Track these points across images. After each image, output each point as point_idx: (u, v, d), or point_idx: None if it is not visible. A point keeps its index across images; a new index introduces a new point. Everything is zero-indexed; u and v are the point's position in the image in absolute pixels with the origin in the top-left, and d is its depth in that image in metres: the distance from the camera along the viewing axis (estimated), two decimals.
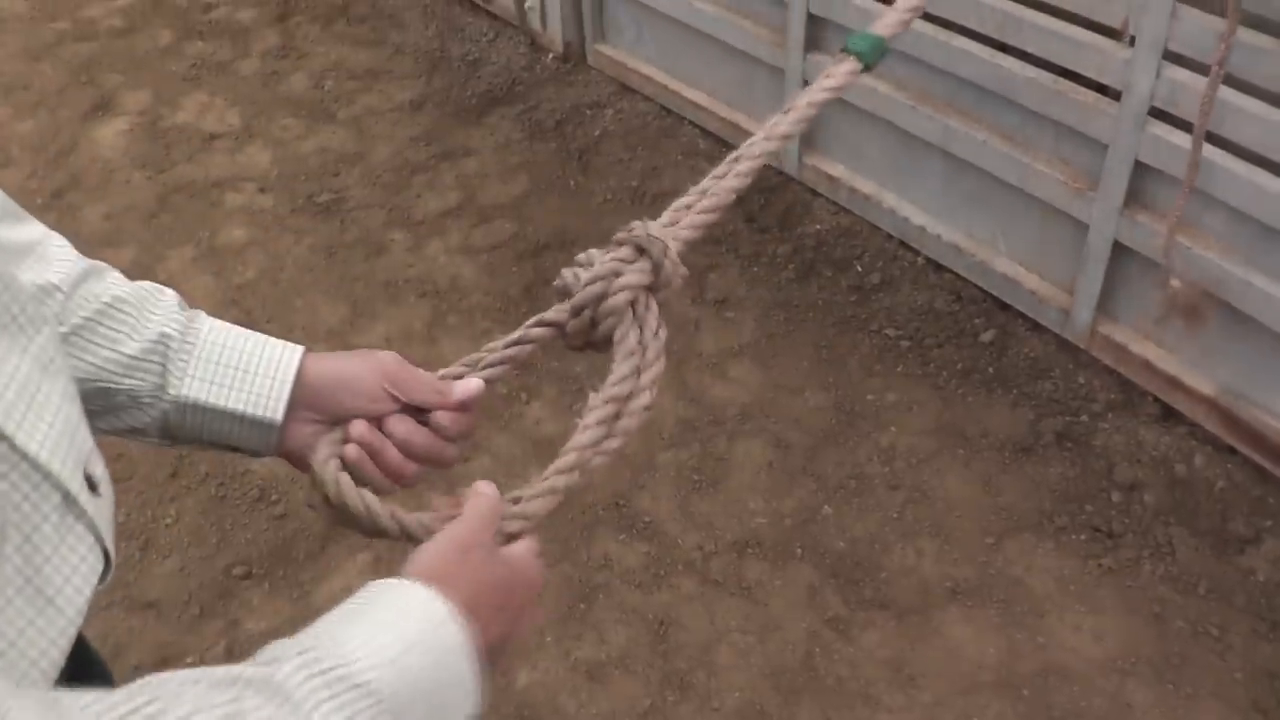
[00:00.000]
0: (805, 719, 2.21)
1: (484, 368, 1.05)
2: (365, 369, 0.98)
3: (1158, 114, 2.43)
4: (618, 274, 1.03)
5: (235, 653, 2.36)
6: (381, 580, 0.80)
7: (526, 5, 4.09)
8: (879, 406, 2.79)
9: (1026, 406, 2.74)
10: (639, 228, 1.06)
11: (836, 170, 3.29)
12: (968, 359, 2.87)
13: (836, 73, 1.30)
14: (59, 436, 0.78)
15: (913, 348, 2.92)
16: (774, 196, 3.42)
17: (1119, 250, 2.63)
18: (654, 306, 1.04)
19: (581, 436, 0.98)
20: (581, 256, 1.06)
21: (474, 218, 3.48)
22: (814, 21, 3.11)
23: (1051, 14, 2.58)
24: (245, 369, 0.94)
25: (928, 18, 2.80)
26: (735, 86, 3.54)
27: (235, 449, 0.99)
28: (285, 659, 0.71)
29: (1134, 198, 2.56)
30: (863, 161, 3.24)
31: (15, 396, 0.76)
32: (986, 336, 2.91)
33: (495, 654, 0.84)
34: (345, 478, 0.94)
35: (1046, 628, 2.33)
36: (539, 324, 1.06)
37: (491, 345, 1.06)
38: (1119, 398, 2.71)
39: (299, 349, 0.97)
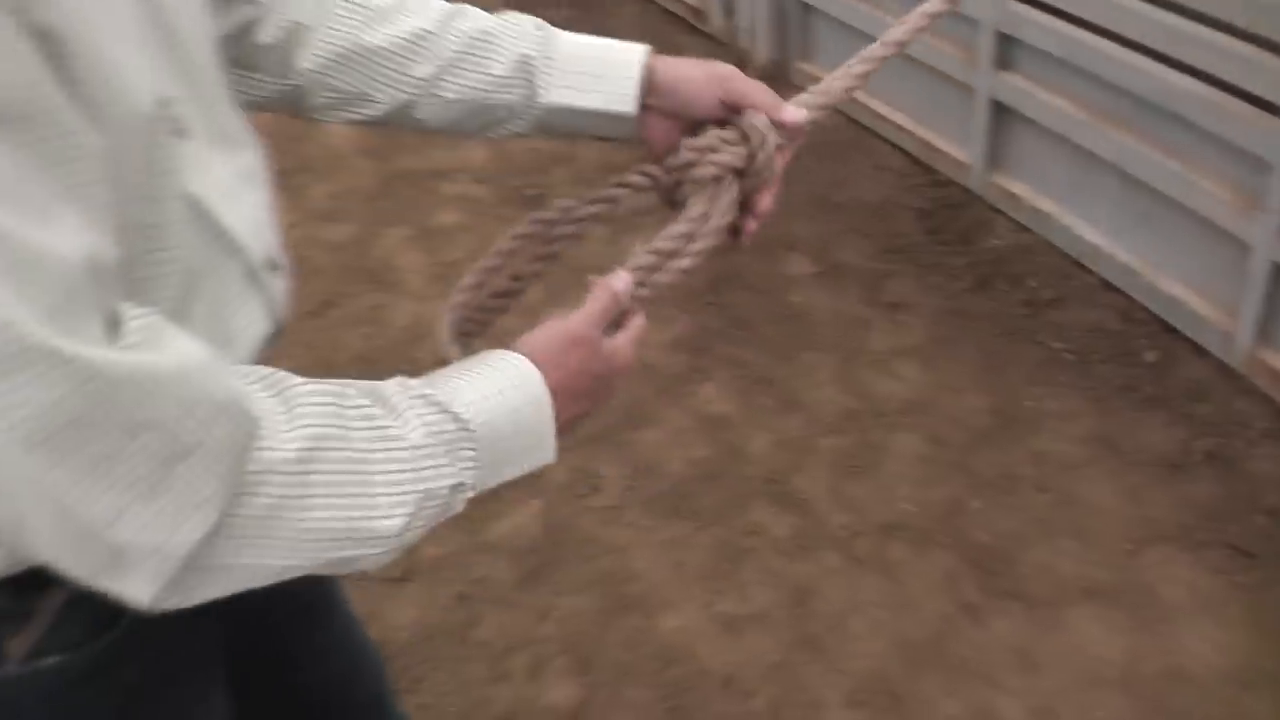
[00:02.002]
0: (927, 690, 2.33)
1: (591, 202, 1.18)
2: (703, 75, 1.15)
3: None
4: (714, 150, 1.13)
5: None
6: (490, 350, 0.98)
7: (736, 25, 4.31)
8: (1037, 413, 2.88)
9: (1181, 426, 2.79)
10: (749, 115, 1.14)
11: (1018, 188, 3.39)
12: (1129, 377, 2.94)
13: None
14: (251, 226, 1.00)
15: (1076, 362, 3.00)
16: (958, 213, 3.54)
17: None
18: (734, 190, 1.15)
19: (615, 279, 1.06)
20: (702, 132, 1.15)
21: (670, 216, 3.69)
22: (1003, 40, 3.22)
23: (1217, 28, 2.63)
24: (598, 74, 1.14)
25: (1100, 32, 2.88)
26: (925, 104, 3.66)
27: (605, 139, 1.20)
28: (390, 381, 0.91)
29: None
30: (1045, 180, 3.32)
31: (222, 195, 0.97)
32: (1150, 357, 2.97)
33: (568, 428, 1.01)
34: (452, 341, 1.09)
35: (1173, 634, 2.39)
36: (640, 172, 1.18)
37: (596, 193, 1.19)
38: (1275, 425, 2.74)
39: (642, 52, 1.15)
